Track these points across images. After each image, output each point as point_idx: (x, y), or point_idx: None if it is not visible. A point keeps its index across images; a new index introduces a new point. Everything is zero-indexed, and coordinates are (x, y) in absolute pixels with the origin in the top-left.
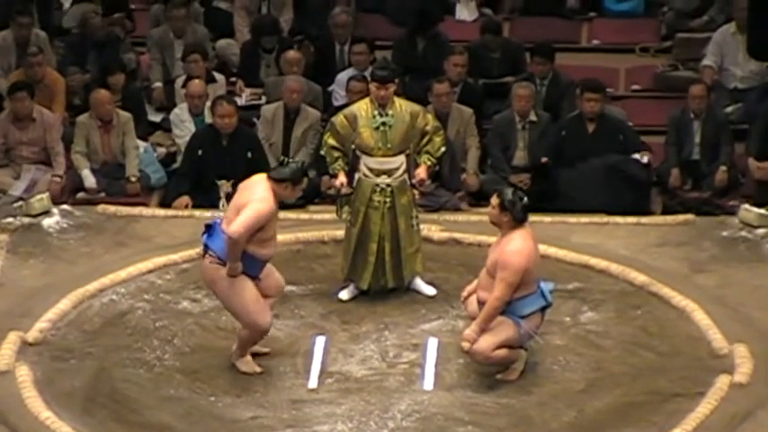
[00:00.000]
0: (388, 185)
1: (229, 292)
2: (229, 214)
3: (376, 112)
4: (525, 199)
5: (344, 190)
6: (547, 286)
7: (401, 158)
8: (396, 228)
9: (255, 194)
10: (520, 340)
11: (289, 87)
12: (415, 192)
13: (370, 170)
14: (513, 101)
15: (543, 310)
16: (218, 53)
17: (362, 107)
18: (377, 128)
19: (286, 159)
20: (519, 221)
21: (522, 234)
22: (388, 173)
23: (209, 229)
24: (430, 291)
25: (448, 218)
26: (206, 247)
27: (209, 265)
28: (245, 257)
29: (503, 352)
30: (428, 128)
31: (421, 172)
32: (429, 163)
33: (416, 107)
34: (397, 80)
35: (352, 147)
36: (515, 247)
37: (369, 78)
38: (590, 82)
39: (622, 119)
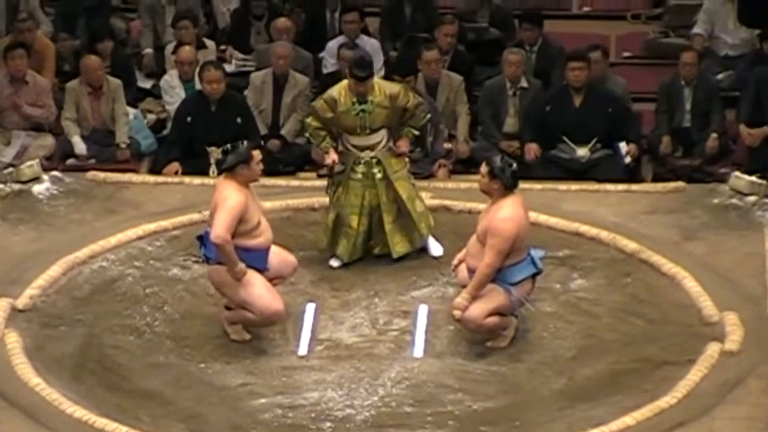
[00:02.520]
0: (373, 157)
1: (240, 291)
2: (210, 215)
3: (354, 100)
4: (515, 166)
5: (337, 167)
6: (537, 253)
7: (382, 133)
8: (395, 194)
9: (220, 195)
10: (511, 307)
11: (276, 53)
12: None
13: (353, 146)
14: (504, 66)
15: (534, 277)
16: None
17: (342, 92)
18: (356, 114)
19: (228, 147)
20: (509, 189)
21: (513, 201)
22: (371, 147)
23: (202, 239)
24: (438, 250)
25: (438, 185)
26: (206, 258)
27: (213, 271)
28: (243, 253)
29: (494, 319)
30: (409, 105)
31: (402, 144)
32: (410, 135)
33: (396, 88)
34: (374, 75)
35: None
36: (505, 214)
37: (347, 73)
38: (575, 51)
39: (613, 92)
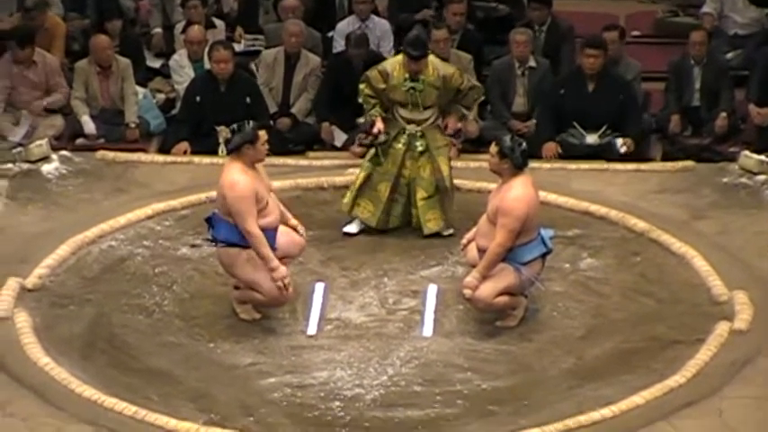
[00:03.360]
0: (418, 131)
1: (248, 271)
2: (216, 197)
3: (406, 76)
4: (524, 145)
5: (382, 137)
6: (547, 233)
7: (432, 110)
8: (434, 170)
9: (226, 178)
10: (521, 287)
11: (289, 31)
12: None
13: (402, 117)
14: (512, 47)
15: (544, 256)
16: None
17: (396, 67)
18: (406, 90)
19: (234, 127)
20: (519, 168)
21: (523, 181)
22: (419, 122)
23: (210, 221)
24: (448, 230)
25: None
26: (214, 240)
27: (222, 253)
28: None
29: (504, 299)
30: (462, 86)
31: (450, 122)
32: (460, 114)
33: (450, 69)
34: (427, 55)
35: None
36: (516, 194)
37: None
38: (592, 38)
39: (624, 78)
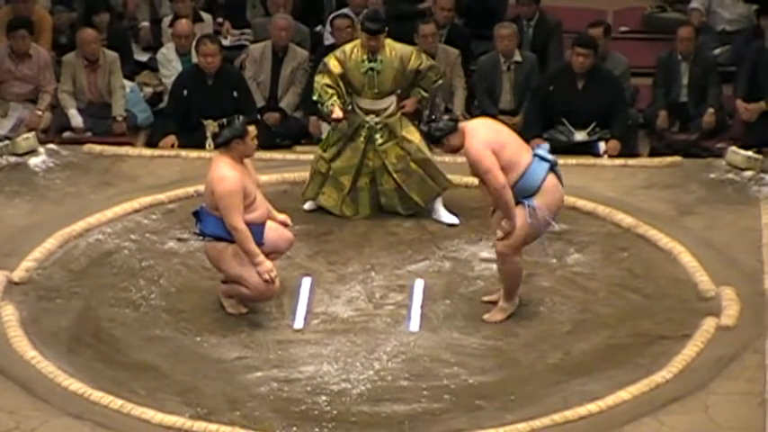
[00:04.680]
0: (377, 123)
1: (235, 266)
2: (204, 191)
3: (365, 57)
4: (437, 122)
5: (344, 124)
6: (542, 148)
7: (390, 99)
8: (400, 155)
9: (214, 173)
10: (537, 229)
11: (277, 25)
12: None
13: (360, 108)
14: (496, 41)
15: (553, 169)
16: None
17: (354, 49)
18: (365, 72)
19: (223, 121)
20: (452, 137)
21: (468, 134)
22: (377, 113)
23: (198, 215)
24: (452, 219)
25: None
26: (202, 234)
27: (209, 247)
28: None
29: (517, 260)
30: (421, 67)
31: (409, 103)
32: (419, 96)
33: (408, 49)
34: (386, 29)
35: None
36: (469, 145)
37: (359, 27)
38: (582, 36)
39: (613, 75)
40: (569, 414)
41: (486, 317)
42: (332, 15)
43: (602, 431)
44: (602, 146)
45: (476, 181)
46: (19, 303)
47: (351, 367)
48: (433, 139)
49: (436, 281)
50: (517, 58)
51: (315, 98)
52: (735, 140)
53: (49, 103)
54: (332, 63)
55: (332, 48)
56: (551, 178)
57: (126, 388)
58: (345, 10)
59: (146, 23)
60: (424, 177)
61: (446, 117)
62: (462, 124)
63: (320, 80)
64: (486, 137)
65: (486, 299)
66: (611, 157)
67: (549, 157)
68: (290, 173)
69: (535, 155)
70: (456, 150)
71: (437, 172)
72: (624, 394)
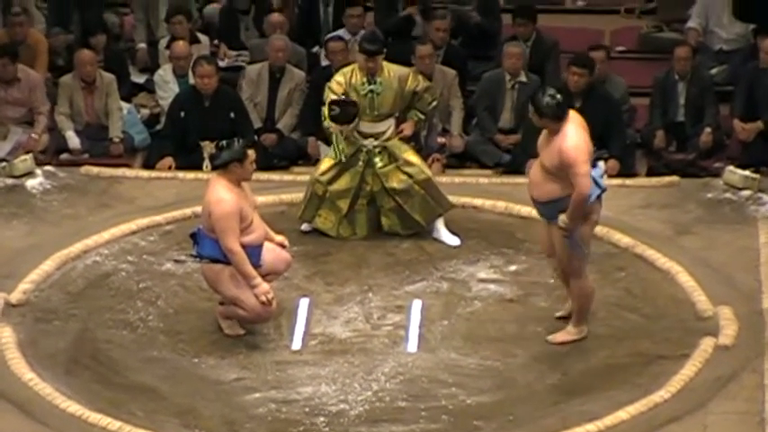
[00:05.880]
0: (376, 146)
1: (232, 288)
2: (201, 213)
3: (365, 80)
4: (558, 97)
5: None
6: (596, 172)
7: (389, 122)
8: (406, 180)
9: (211, 196)
10: (570, 247)
11: (274, 46)
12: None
13: (359, 132)
14: (504, 59)
15: (599, 197)
16: (206, 20)
17: (352, 73)
18: (365, 95)
19: (222, 143)
20: (560, 119)
21: (572, 126)
22: (375, 136)
23: (195, 237)
24: (453, 240)
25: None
26: (199, 255)
27: (207, 269)
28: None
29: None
30: (418, 88)
31: (406, 127)
32: (416, 119)
33: (405, 71)
34: (384, 50)
35: None
36: (570, 143)
37: (357, 48)
38: (578, 56)
39: (611, 95)
40: None
41: (549, 337)
42: (327, 37)
43: None
44: (601, 165)
45: (473, 201)
46: (16, 325)
47: (349, 388)
48: (540, 110)
49: (434, 301)
50: (522, 78)
51: (326, 125)
52: (732, 160)
53: (45, 125)
54: (335, 87)
55: (328, 69)
56: (597, 206)
57: (124, 410)
58: (341, 31)
59: (143, 45)
60: (426, 198)
61: (559, 96)
62: (572, 112)
63: (327, 98)
64: (588, 141)
65: (558, 314)
66: (609, 176)
67: (602, 183)
68: (287, 194)
69: (591, 177)
70: (550, 131)
71: (439, 193)
72: (623, 414)
